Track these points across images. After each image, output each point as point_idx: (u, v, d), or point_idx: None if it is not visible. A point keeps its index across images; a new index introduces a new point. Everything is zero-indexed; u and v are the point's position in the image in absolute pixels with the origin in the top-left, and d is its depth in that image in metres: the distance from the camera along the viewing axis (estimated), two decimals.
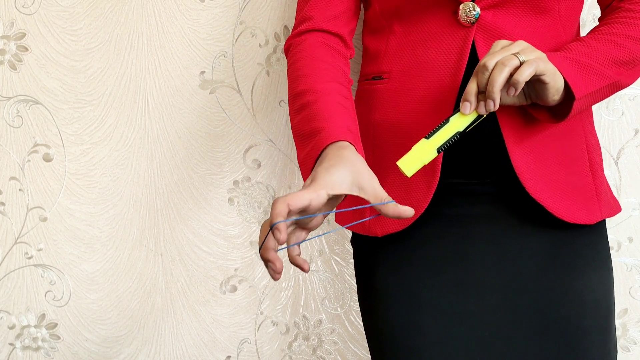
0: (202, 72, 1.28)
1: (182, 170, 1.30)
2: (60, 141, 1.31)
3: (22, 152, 1.32)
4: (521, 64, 0.78)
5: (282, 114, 1.28)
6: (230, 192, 1.31)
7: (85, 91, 1.29)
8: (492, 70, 0.78)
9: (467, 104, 0.80)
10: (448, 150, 0.91)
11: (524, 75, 0.76)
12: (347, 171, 0.74)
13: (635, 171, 1.25)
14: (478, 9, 0.87)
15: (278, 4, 1.25)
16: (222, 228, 1.32)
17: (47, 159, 1.32)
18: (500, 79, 0.77)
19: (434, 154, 0.80)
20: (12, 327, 1.37)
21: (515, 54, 0.78)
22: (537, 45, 0.88)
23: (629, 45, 0.87)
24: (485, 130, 0.89)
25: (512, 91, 0.78)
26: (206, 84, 1.28)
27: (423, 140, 0.80)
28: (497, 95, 0.77)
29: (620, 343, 1.29)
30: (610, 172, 1.24)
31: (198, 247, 1.32)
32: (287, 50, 0.97)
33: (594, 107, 1.18)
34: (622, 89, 0.90)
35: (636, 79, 0.92)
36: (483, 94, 0.80)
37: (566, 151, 0.92)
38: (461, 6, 0.88)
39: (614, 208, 0.98)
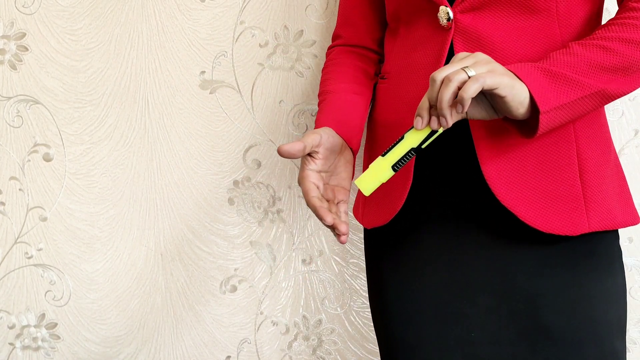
0: (202, 72, 1.27)
1: (182, 170, 1.30)
2: (60, 141, 1.31)
3: (22, 152, 1.32)
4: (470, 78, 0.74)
5: (282, 113, 1.28)
6: (230, 192, 1.31)
7: (85, 91, 1.29)
8: (440, 85, 0.75)
9: (419, 119, 0.77)
10: (425, 153, 0.90)
11: (469, 92, 0.72)
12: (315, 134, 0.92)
13: (635, 171, 1.25)
14: (451, 13, 0.86)
15: (278, 4, 1.25)
16: (222, 228, 1.32)
17: (47, 158, 1.32)
18: (447, 95, 0.74)
19: (390, 172, 0.79)
20: (12, 327, 1.37)
21: (464, 68, 0.74)
22: (526, 48, 0.85)
23: (623, 50, 0.80)
24: (457, 136, 0.88)
25: (459, 108, 0.74)
26: (206, 84, 1.28)
27: (380, 158, 0.78)
28: (446, 112, 0.75)
29: None
30: None
31: (198, 247, 1.32)
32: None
33: None
34: (616, 98, 0.82)
35: (638, 86, 0.83)
36: (435, 108, 0.77)
37: (550, 158, 0.86)
38: (439, 10, 0.87)
39: (616, 221, 0.89)
